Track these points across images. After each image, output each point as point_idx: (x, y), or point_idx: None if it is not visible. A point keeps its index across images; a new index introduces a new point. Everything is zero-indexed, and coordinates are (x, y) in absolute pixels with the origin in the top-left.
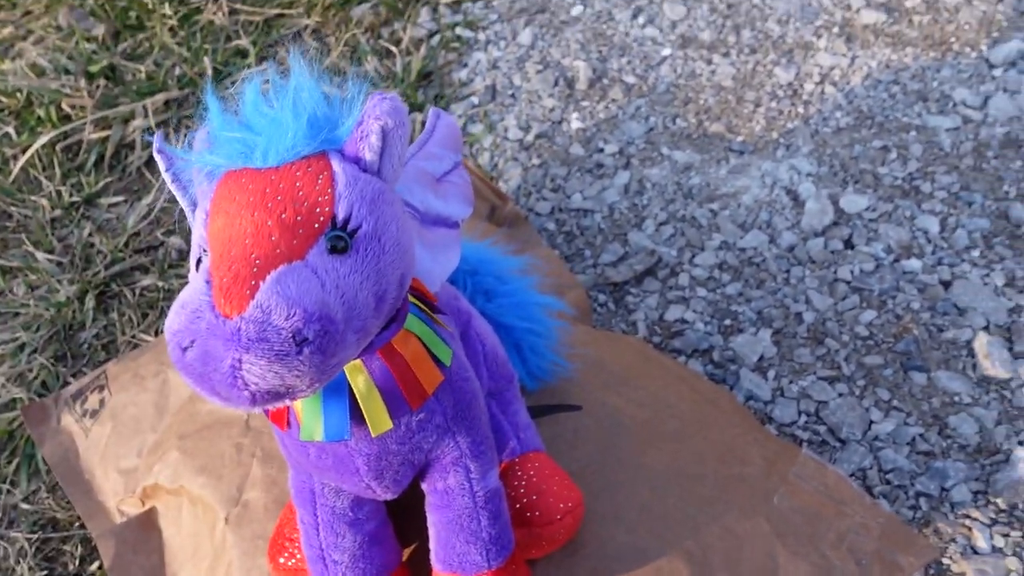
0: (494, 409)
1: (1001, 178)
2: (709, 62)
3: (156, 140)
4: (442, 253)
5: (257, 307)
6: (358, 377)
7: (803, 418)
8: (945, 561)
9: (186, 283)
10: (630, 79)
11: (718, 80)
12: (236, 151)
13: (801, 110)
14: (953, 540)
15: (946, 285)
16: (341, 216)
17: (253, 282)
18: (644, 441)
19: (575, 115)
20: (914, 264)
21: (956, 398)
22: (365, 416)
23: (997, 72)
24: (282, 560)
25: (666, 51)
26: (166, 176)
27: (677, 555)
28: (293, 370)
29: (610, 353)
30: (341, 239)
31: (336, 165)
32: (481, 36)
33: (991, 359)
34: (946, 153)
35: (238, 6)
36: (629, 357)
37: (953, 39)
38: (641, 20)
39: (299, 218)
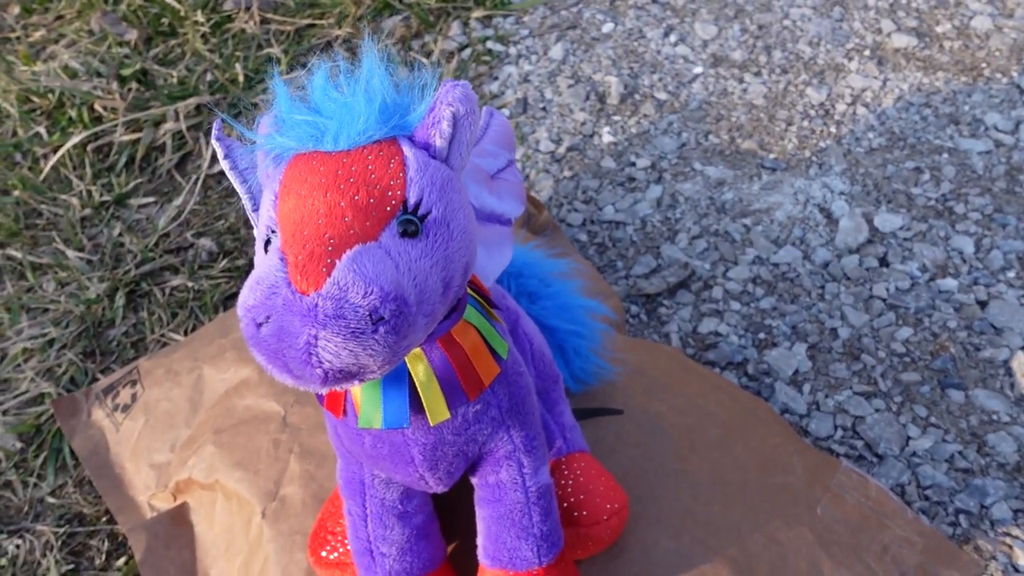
0: (540, 408)
1: None
2: (741, 80)
3: (215, 128)
4: (496, 250)
5: (334, 284)
6: (418, 366)
7: (839, 432)
8: None
9: (215, 284)
10: (662, 95)
11: (750, 98)
12: (307, 134)
13: (833, 130)
14: (994, 558)
15: (982, 305)
16: (412, 200)
17: (329, 260)
18: (686, 447)
19: (607, 129)
20: (950, 283)
21: (994, 416)
22: (424, 405)
23: None
24: (324, 553)
25: (698, 69)
26: (224, 163)
27: (722, 562)
28: (368, 349)
29: (649, 360)
30: (412, 223)
31: (407, 150)
32: (512, 50)
33: None
34: (979, 176)
35: (270, 15)
36: (668, 365)
37: (984, 64)
38: (672, 39)
39: (372, 200)
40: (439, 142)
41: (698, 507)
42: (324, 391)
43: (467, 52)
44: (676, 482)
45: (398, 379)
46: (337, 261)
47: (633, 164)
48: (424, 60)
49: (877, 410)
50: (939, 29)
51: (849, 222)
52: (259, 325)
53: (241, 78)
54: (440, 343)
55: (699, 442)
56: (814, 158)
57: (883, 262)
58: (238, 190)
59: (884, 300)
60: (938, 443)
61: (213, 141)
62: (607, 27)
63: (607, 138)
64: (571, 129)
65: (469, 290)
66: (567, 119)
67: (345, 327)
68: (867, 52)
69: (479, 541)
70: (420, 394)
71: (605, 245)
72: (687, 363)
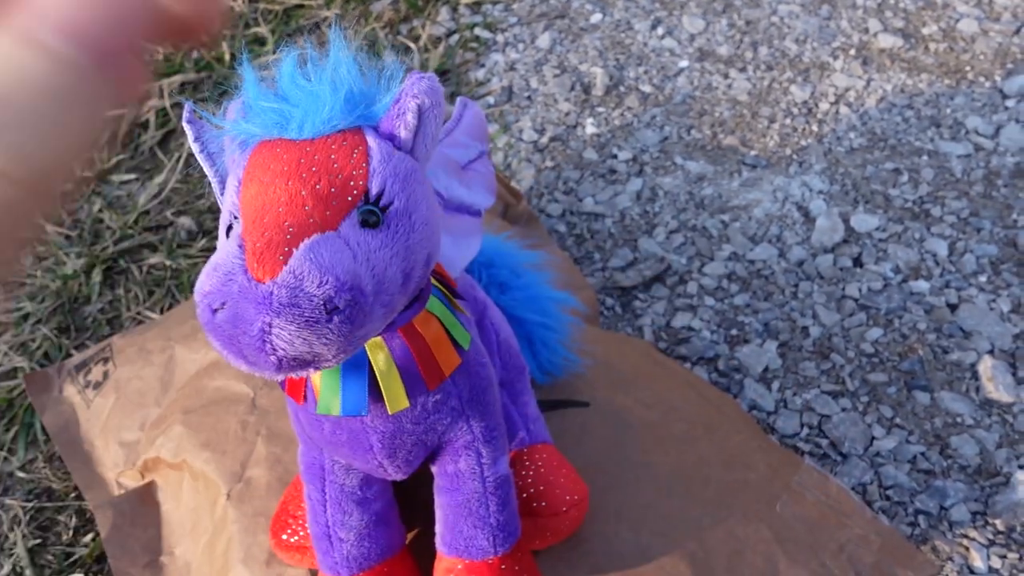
0: (505, 399)
1: (1010, 206)
2: (726, 76)
3: (186, 111)
4: (464, 240)
5: (290, 273)
6: (378, 354)
7: (805, 430)
8: None
9: (194, 263)
10: (646, 88)
11: (734, 94)
12: (272, 121)
13: (815, 128)
14: (950, 559)
15: (953, 308)
16: (374, 191)
17: (287, 248)
18: (650, 441)
19: (590, 120)
20: (922, 285)
21: (959, 419)
22: (383, 393)
23: (1010, 103)
24: (285, 536)
25: (683, 63)
26: (194, 146)
27: (680, 555)
28: (321, 338)
29: (618, 354)
30: (373, 213)
31: (371, 141)
32: (500, 38)
33: (995, 383)
34: (957, 179)
35: None
36: (637, 359)
37: (968, 68)
38: (660, 31)
39: (333, 190)
40: (404, 133)
41: (659, 501)
42: (279, 378)
43: (455, 38)
44: (638, 475)
45: (358, 367)
46: (294, 250)
47: (615, 156)
48: (412, 44)
49: (844, 409)
50: (925, 31)
51: (826, 221)
52: (215, 311)
53: (228, 56)
54: (401, 332)
55: (663, 436)
56: (795, 156)
57: (857, 262)
58: (207, 174)
59: (856, 300)
60: (902, 444)
61: (184, 123)
62: (595, 17)
63: (590, 129)
64: (555, 119)
65: (433, 280)
66: (551, 109)
67: (299, 316)
68: (853, 51)
69: (437, 529)
70: (379, 383)
71: (583, 236)
72: (656, 357)
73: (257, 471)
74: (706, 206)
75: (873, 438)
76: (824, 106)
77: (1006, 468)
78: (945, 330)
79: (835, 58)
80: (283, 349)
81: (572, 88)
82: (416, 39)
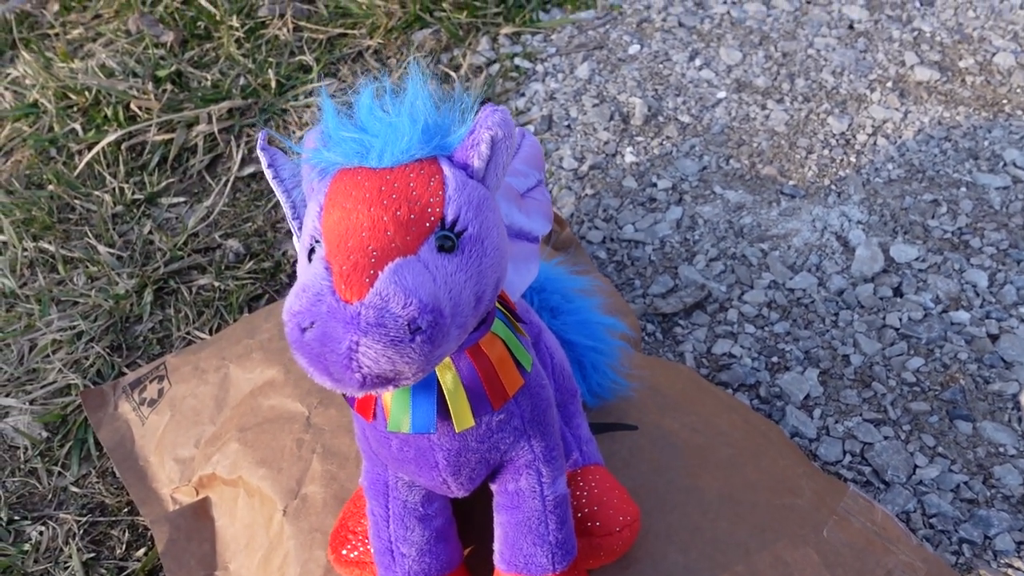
0: (558, 420)
1: None
2: (763, 107)
3: (260, 138)
4: (523, 266)
5: (376, 294)
6: (447, 374)
7: (848, 458)
8: None
9: (241, 284)
10: (685, 118)
11: (771, 125)
12: (352, 151)
13: (853, 159)
14: None
15: (994, 339)
16: (450, 218)
17: (372, 271)
18: (697, 465)
19: (629, 149)
20: (962, 316)
21: (1002, 449)
22: (451, 412)
23: None
24: (345, 552)
25: (721, 94)
26: (268, 172)
27: None
28: (404, 357)
29: (665, 378)
30: (449, 239)
31: (447, 170)
32: (539, 67)
33: None
34: (996, 211)
35: (303, 23)
36: (682, 384)
37: (1005, 101)
38: (697, 63)
39: (412, 216)
40: (477, 163)
41: (706, 523)
42: (360, 395)
43: (495, 67)
44: (686, 498)
45: (427, 386)
46: (380, 272)
47: (654, 185)
48: (453, 73)
49: (886, 437)
50: (962, 64)
51: (865, 251)
52: (303, 330)
53: (273, 83)
54: (468, 353)
55: (710, 460)
56: (833, 187)
57: (897, 292)
58: (280, 199)
59: (897, 330)
60: (945, 473)
61: (258, 151)
62: (633, 49)
63: (629, 158)
64: (594, 148)
65: (497, 304)
66: (591, 138)
67: (385, 335)
68: (889, 84)
69: (496, 546)
70: (447, 401)
71: (624, 263)
72: (701, 383)
73: (313, 488)
74: (745, 235)
75: (916, 466)
76: (862, 137)
77: None
78: (986, 360)
79: (872, 90)
80: (368, 367)
81: (611, 117)
82: (457, 68)
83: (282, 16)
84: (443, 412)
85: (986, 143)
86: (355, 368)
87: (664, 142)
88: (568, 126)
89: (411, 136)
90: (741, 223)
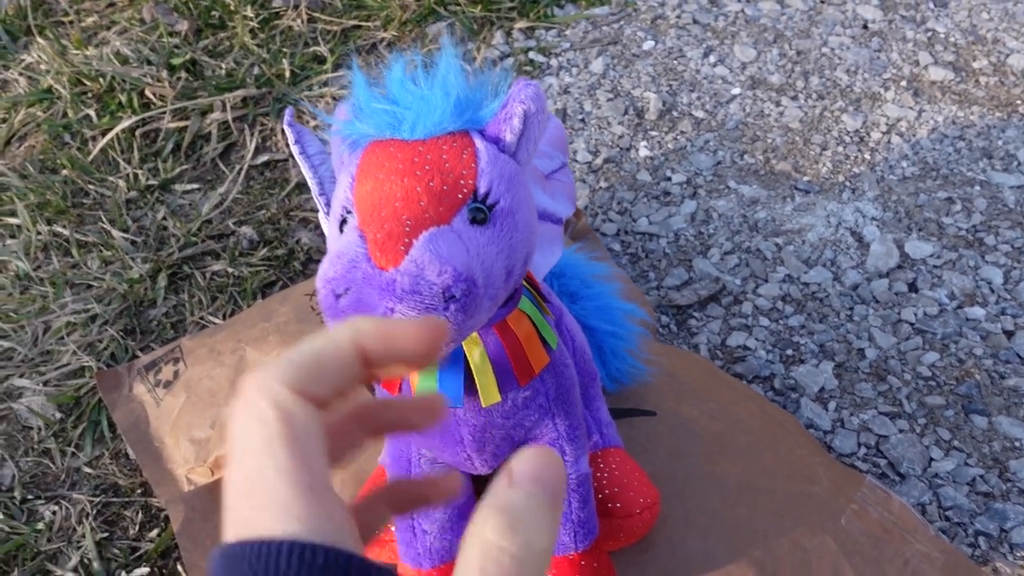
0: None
1: None
2: (777, 104)
3: (287, 115)
4: (547, 247)
5: (412, 262)
6: (474, 350)
7: (863, 450)
8: None
9: (255, 271)
10: (699, 114)
11: (786, 122)
12: (385, 122)
13: (867, 156)
14: None
15: (1009, 335)
16: (482, 190)
17: (407, 240)
18: (716, 452)
19: (643, 143)
20: (977, 312)
21: (1017, 443)
22: (477, 387)
23: None
24: None
25: (735, 90)
26: (294, 148)
27: (746, 563)
28: None
29: (682, 367)
30: (482, 211)
31: (479, 143)
32: (553, 62)
33: None
34: (1010, 209)
35: (317, 14)
36: (699, 372)
37: (1019, 101)
38: (712, 59)
39: (445, 187)
40: (509, 137)
41: (725, 509)
42: None
43: (509, 61)
44: (704, 484)
45: (454, 362)
46: (414, 241)
47: (669, 179)
48: (467, 67)
49: (901, 431)
50: (976, 64)
51: (880, 247)
52: (338, 296)
53: (288, 73)
54: (496, 329)
55: (728, 447)
56: (847, 183)
57: (912, 287)
58: (306, 174)
59: (912, 324)
60: (960, 466)
61: (285, 126)
62: (647, 44)
63: (644, 152)
64: (609, 142)
65: (524, 283)
66: (605, 132)
67: (420, 302)
68: (904, 83)
69: None
70: (474, 377)
71: (638, 256)
72: (717, 372)
73: None
74: (760, 229)
75: (931, 459)
76: (876, 135)
77: None
78: (1002, 356)
79: (886, 89)
80: None
81: (626, 112)
82: (471, 62)
83: (296, 7)
84: (469, 388)
85: (1000, 142)
86: None
87: (679, 137)
88: (582, 120)
89: (444, 109)
90: (755, 217)
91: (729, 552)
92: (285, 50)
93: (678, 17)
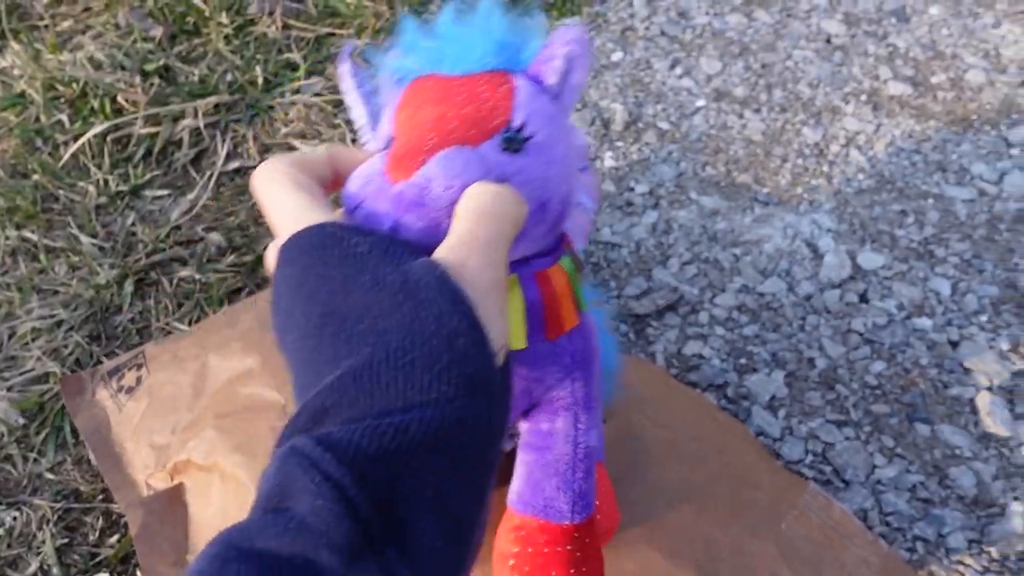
0: None
1: (1012, 250)
2: (741, 116)
3: (344, 52)
4: (577, 236)
5: (421, 175)
6: (511, 289)
7: (810, 457)
8: None
9: (223, 278)
10: (664, 125)
11: (748, 134)
12: (427, 58)
13: (826, 169)
14: None
15: (954, 345)
16: (517, 122)
17: (424, 157)
18: (663, 458)
19: (609, 154)
20: (925, 322)
21: (957, 451)
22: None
23: (1015, 151)
24: None
25: (700, 102)
26: (350, 83)
27: (689, 567)
28: (443, 237)
29: (634, 375)
30: (515, 141)
31: (518, 80)
32: None
33: (993, 417)
34: (961, 222)
35: (292, 21)
36: (652, 381)
37: (975, 116)
38: (678, 71)
39: (479, 116)
40: (552, 78)
41: (670, 514)
42: None
43: None
44: (651, 489)
45: None
46: (431, 158)
47: (632, 189)
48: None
49: (847, 438)
50: (934, 80)
51: (834, 258)
52: (352, 211)
53: (260, 80)
54: (537, 277)
55: (676, 454)
56: (805, 195)
57: (863, 298)
58: (356, 111)
59: (861, 334)
60: (902, 473)
61: (340, 64)
62: (616, 56)
63: (609, 163)
64: None
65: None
66: None
67: (425, 214)
68: (863, 97)
69: (513, 486)
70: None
71: (600, 265)
72: (670, 381)
73: None
74: (719, 239)
75: (875, 466)
76: (835, 148)
77: (1002, 499)
78: (946, 366)
79: (846, 103)
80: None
81: (592, 123)
82: None
83: (271, 14)
84: None
85: (954, 156)
86: None
87: (643, 148)
88: None
89: (484, 47)
90: (715, 228)
91: (672, 556)
92: (259, 57)
93: (647, 29)
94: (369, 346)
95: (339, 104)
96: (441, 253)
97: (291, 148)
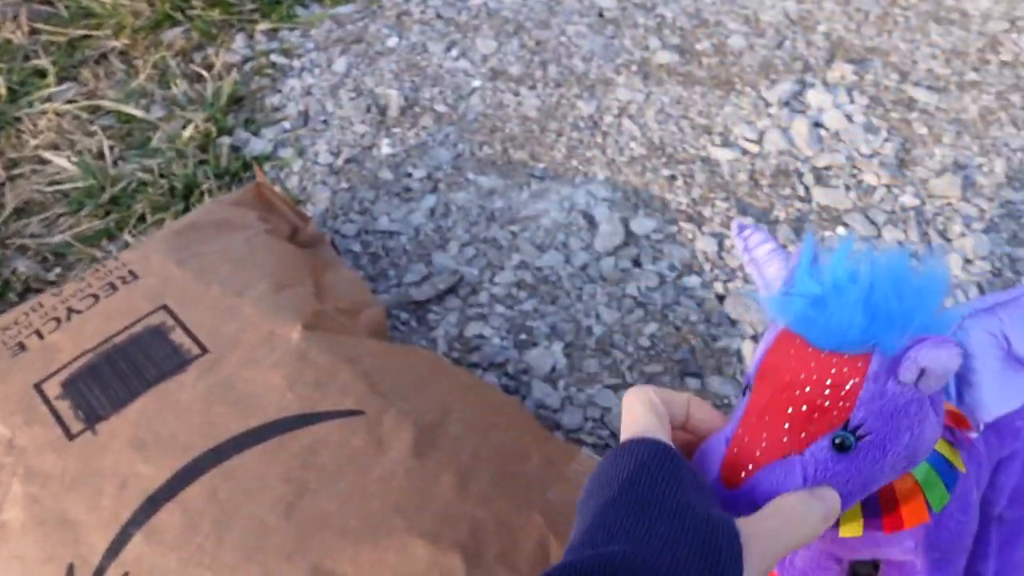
0: (992, 535)
1: (772, 203)
2: (516, 94)
3: (737, 225)
4: (1014, 394)
5: (748, 485)
6: None
7: (589, 424)
8: None
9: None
10: (441, 108)
11: (524, 111)
12: (800, 316)
13: (600, 140)
14: None
15: (721, 299)
16: (854, 422)
17: (751, 466)
18: (426, 443)
19: (386, 141)
20: (694, 280)
21: (726, 400)
22: (839, 518)
23: (772, 110)
24: None
25: (476, 82)
26: (744, 258)
27: (452, 550)
28: None
29: (399, 364)
30: (847, 440)
31: (873, 366)
32: (296, 63)
33: None
34: (726, 181)
35: (40, 25)
36: (417, 366)
37: (736, 79)
38: (454, 53)
39: (815, 415)
40: (905, 376)
41: (433, 497)
42: None
43: (250, 65)
44: (412, 475)
45: None
46: (757, 472)
47: (410, 175)
48: (205, 73)
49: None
50: (699, 47)
51: (608, 226)
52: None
53: (4, 91)
54: None
55: (439, 437)
56: (580, 167)
57: (636, 263)
58: (754, 277)
59: (635, 298)
60: None
61: (737, 235)
62: (391, 41)
63: (386, 150)
64: (350, 141)
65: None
66: (347, 131)
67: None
68: (634, 67)
69: None
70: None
71: (378, 255)
72: (438, 364)
73: (13, 513)
74: (497, 218)
75: None
76: (608, 119)
77: None
78: (714, 320)
79: (618, 74)
80: None
81: (368, 110)
82: (210, 67)
83: (15, 18)
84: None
85: (719, 119)
86: None
87: (420, 132)
88: (324, 121)
89: (859, 332)
90: (493, 207)
91: (436, 539)
92: (2, 65)
93: (422, 12)
94: (658, 544)
95: (95, 110)
96: (741, 523)
97: (43, 161)
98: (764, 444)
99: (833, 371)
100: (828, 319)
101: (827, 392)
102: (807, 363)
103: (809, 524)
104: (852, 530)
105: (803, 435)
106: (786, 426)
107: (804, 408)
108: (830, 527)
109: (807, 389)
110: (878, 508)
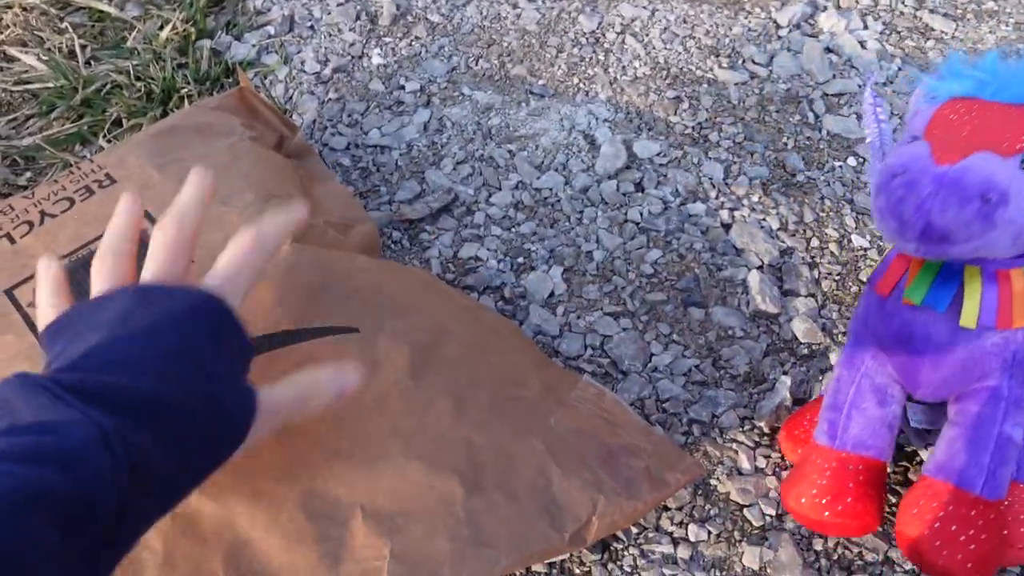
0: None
1: (781, 130)
2: (515, 6)
3: (868, 82)
4: None
5: (964, 164)
6: (973, 278)
7: (588, 351)
8: (712, 482)
9: None
10: (435, 18)
11: (522, 24)
12: (970, 84)
13: (601, 58)
14: (720, 462)
15: (727, 227)
16: None
17: (965, 152)
18: (420, 364)
19: (376, 51)
20: (699, 207)
21: (730, 331)
22: (963, 307)
23: (783, 32)
24: (796, 432)
25: None
26: (869, 107)
27: (450, 475)
28: (963, 217)
29: (391, 280)
30: None
31: None
32: None
33: (763, 295)
34: (733, 105)
35: None
36: (411, 285)
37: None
38: None
39: (1011, 135)
40: None
41: (429, 421)
42: (912, 248)
43: None
44: (407, 396)
45: (952, 277)
46: (971, 154)
47: (402, 87)
48: None
49: (624, 329)
50: None
51: (610, 148)
52: (894, 176)
53: None
54: (998, 273)
55: (434, 358)
56: (581, 85)
57: (639, 187)
58: (870, 129)
59: (637, 224)
60: (678, 358)
61: (867, 97)
62: None
63: (376, 60)
64: (339, 50)
65: None
66: (335, 39)
67: (959, 192)
68: None
69: (932, 458)
70: (964, 298)
71: (369, 170)
72: (432, 284)
73: None
74: (493, 136)
75: (652, 354)
76: (611, 36)
77: (771, 375)
78: (719, 248)
79: None
80: (933, 216)
81: (357, 18)
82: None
83: None
84: (952, 312)
85: (727, 40)
86: (923, 214)
87: (413, 43)
88: (311, 27)
89: None
90: (489, 124)
91: (432, 463)
92: None
93: None
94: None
95: (65, 6)
96: (264, 393)
97: (9, 59)
98: (970, 139)
99: (1015, 112)
100: (1002, 77)
101: (1016, 121)
102: (991, 106)
103: (322, 399)
104: (969, 319)
105: (1004, 145)
106: (989, 136)
107: (1000, 128)
108: None
109: (997, 118)
110: (994, 304)
